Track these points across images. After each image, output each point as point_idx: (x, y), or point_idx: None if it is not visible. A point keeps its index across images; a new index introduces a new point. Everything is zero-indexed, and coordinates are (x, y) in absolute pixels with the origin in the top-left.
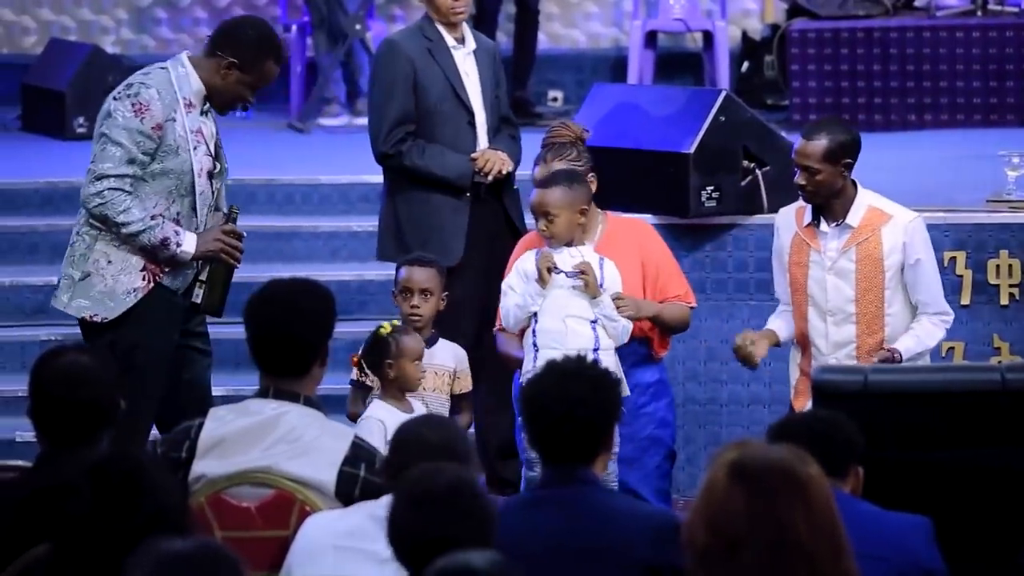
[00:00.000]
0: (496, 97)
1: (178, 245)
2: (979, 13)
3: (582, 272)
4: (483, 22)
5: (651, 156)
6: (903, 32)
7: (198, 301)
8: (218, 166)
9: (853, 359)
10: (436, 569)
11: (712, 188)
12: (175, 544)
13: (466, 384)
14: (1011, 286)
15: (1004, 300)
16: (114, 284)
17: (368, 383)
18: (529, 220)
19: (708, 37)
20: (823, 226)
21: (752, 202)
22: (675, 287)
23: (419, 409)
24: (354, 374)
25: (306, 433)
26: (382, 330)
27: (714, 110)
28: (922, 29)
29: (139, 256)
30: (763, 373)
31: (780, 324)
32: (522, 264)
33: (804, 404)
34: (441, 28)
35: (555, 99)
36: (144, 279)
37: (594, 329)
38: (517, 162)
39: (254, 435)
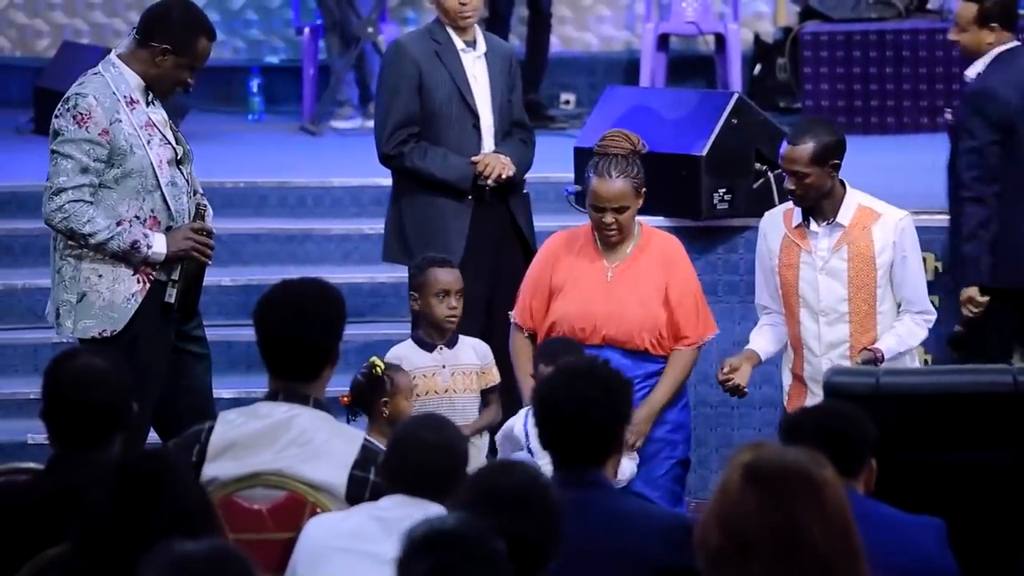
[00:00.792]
0: (509, 101)
1: (148, 247)
2: None
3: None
4: (495, 25)
5: (663, 159)
6: (915, 35)
7: (171, 301)
8: (180, 151)
9: (846, 359)
10: (417, 534)
11: (724, 190)
12: (187, 545)
13: (493, 377)
14: None
15: None
16: (112, 296)
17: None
18: (542, 225)
19: (720, 40)
20: (813, 226)
21: (764, 204)
22: (687, 327)
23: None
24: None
25: (317, 436)
26: (376, 369)
27: (726, 113)
28: (935, 32)
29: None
30: (774, 376)
31: (761, 342)
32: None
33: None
34: (451, 31)
35: (567, 102)
36: (139, 282)
37: None
38: (527, 166)
39: (265, 438)
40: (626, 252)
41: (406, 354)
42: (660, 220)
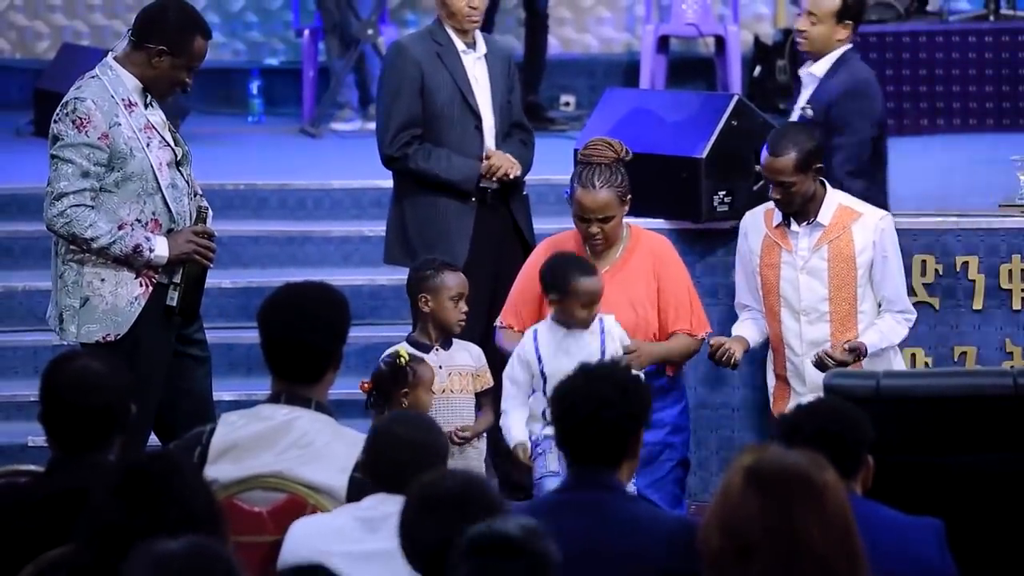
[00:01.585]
0: (508, 102)
1: (151, 250)
2: (991, 18)
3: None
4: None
5: (663, 161)
6: (915, 37)
7: (173, 304)
8: (179, 152)
9: None
10: (471, 537)
11: (724, 192)
12: (170, 545)
13: (486, 381)
14: (1023, 291)
15: (1016, 305)
16: (115, 300)
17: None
18: (542, 226)
19: (720, 42)
20: (794, 226)
21: None
22: (684, 319)
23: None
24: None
25: (317, 438)
26: (400, 359)
27: (726, 115)
28: (934, 34)
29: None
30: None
31: (746, 331)
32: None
33: (783, 410)
34: (451, 32)
35: (567, 104)
36: (142, 285)
37: None
38: (527, 167)
39: (266, 440)
40: (615, 256)
41: None
42: (660, 222)
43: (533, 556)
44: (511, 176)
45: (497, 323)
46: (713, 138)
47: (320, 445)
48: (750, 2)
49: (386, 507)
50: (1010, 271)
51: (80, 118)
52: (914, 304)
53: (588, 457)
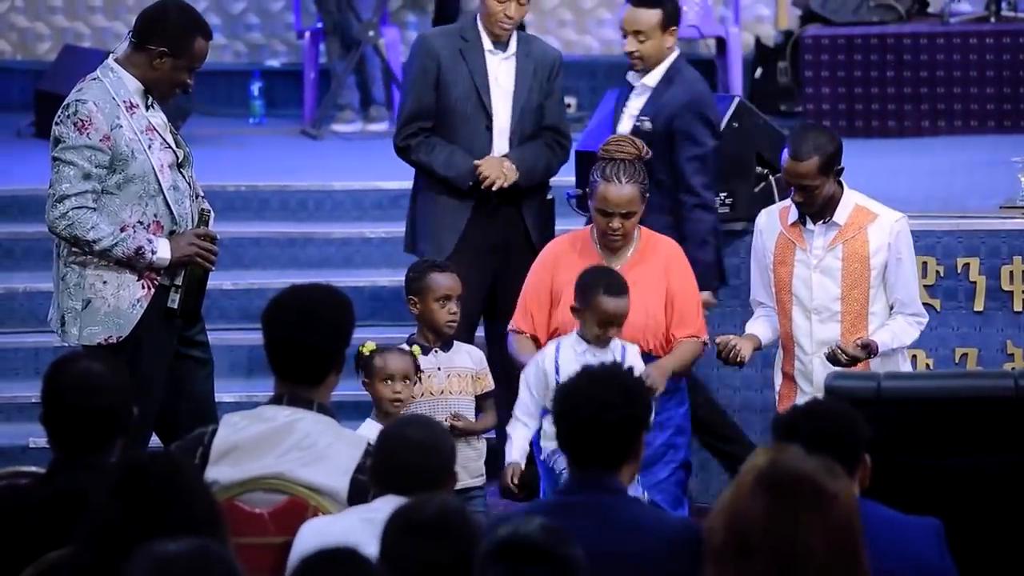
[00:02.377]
0: (540, 105)
1: (153, 252)
2: (993, 19)
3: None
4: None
5: None
6: (917, 38)
7: (174, 307)
8: (180, 154)
9: None
10: (494, 541)
11: (725, 194)
12: (170, 546)
13: (487, 384)
14: None
15: (1018, 306)
16: (117, 302)
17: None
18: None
19: (721, 43)
20: (809, 224)
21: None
22: (690, 323)
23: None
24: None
25: (319, 440)
26: (363, 348)
27: (727, 116)
28: (936, 35)
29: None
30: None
31: (759, 328)
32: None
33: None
34: (482, 31)
35: (569, 105)
36: (144, 287)
37: None
38: (548, 171)
39: (268, 441)
40: (627, 256)
41: None
42: None
43: (562, 560)
44: (499, 186)
45: (510, 327)
46: None
47: (322, 447)
48: (751, 4)
49: None
50: (1011, 273)
51: (81, 120)
52: None
53: (590, 459)
